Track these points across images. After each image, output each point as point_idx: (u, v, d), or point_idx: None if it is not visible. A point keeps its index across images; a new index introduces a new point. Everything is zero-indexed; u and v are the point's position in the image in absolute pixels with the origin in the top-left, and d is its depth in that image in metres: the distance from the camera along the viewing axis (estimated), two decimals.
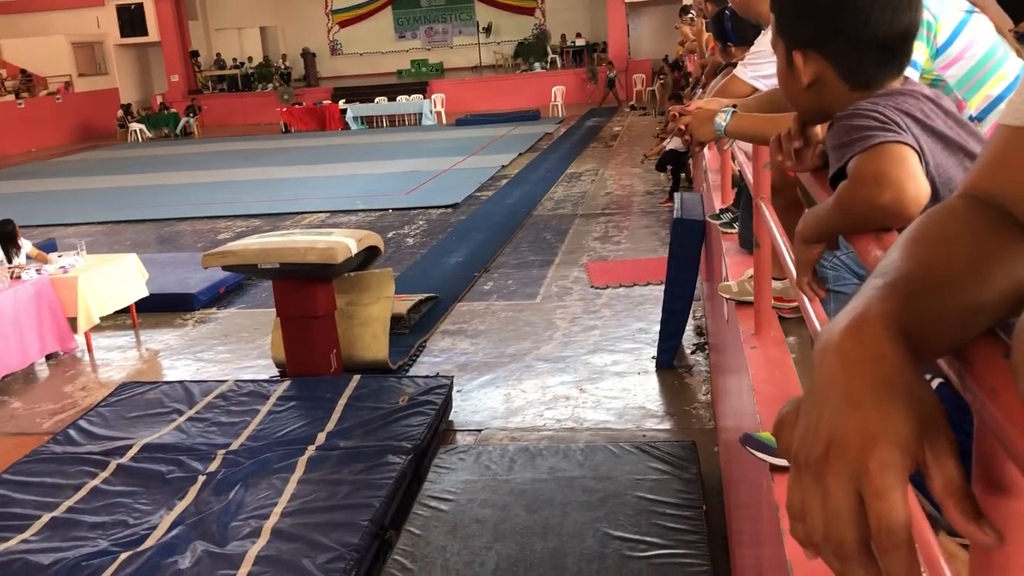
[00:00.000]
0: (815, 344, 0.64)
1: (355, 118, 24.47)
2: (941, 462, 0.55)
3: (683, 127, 2.08)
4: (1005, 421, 0.54)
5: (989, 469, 0.58)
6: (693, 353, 6.25)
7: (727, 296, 3.10)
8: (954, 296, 0.62)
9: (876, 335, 0.60)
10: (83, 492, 4.54)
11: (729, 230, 4.01)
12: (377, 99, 25.28)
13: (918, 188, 1.06)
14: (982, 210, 0.68)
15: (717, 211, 4.17)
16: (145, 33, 28.43)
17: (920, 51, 1.73)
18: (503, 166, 15.49)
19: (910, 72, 1.58)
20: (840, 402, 0.58)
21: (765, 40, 2.62)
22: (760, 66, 2.58)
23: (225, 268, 6.21)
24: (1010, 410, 0.53)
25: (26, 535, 4.17)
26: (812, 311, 1.45)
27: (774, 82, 2.54)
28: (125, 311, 7.73)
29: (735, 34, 3.75)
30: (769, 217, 2.22)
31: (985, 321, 0.61)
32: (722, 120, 1.93)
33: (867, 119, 1.14)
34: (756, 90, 2.54)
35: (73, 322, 7.15)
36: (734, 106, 1.96)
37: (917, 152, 1.10)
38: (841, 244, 1.28)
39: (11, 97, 24.94)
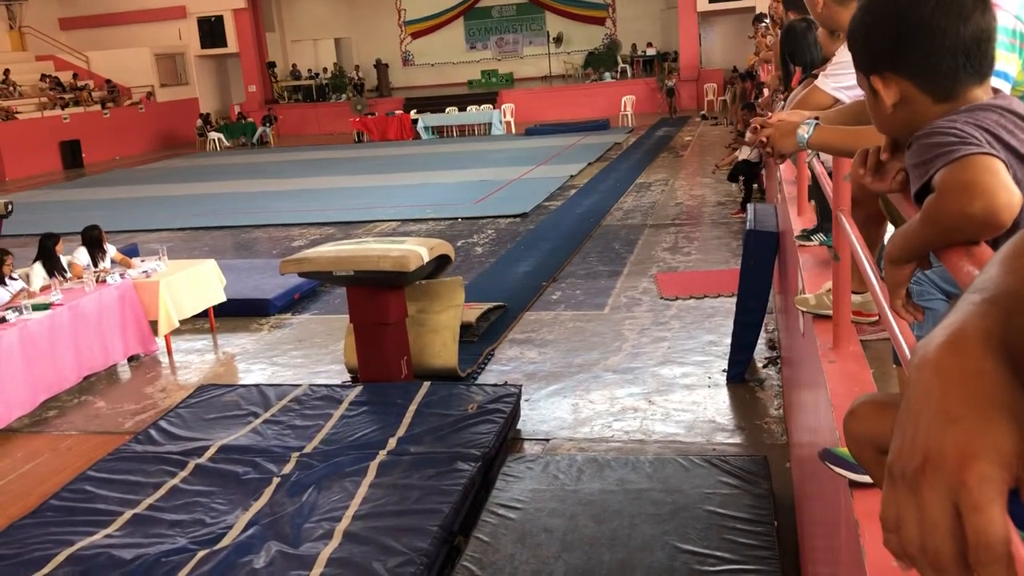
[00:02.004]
0: (911, 359, 0.64)
1: (426, 128, 24.77)
2: None
3: (764, 139, 2.07)
4: None
5: None
6: (765, 367, 6.16)
7: (804, 309, 3.05)
8: None
9: (975, 350, 0.60)
10: (163, 490, 4.69)
11: (807, 242, 3.95)
12: (448, 109, 25.55)
13: (1011, 195, 1.04)
14: None
15: (803, 232, 4.11)
16: (224, 45, 29.27)
17: (1012, 62, 1.70)
18: (572, 176, 15.50)
19: (1001, 84, 1.55)
20: (938, 416, 0.58)
21: (847, 51, 2.59)
22: (842, 77, 2.55)
23: (301, 275, 6.35)
24: None
25: (109, 530, 4.32)
26: (897, 328, 1.43)
27: (857, 93, 2.51)
28: (203, 315, 7.95)
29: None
30: (849, 229, 2.19)
31: None
32: (805, 132, 1.91)
33: (945, 135, 1.13)
34: (838, 101, 2.51)
35: (154, 325, 7.39)
36: (816, 118, 1.95)
37: (1003, 161, 1.09)
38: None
39: (97, 107, 25.90)
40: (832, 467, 1.89)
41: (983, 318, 0.62)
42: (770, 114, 3.42)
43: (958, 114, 1.16)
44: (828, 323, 2.74)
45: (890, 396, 1.27)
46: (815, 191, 4.08)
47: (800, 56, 4.12)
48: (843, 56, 2.64)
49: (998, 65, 1.29)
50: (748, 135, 2.41)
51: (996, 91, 1.24)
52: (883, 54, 1.24)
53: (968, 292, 0.66)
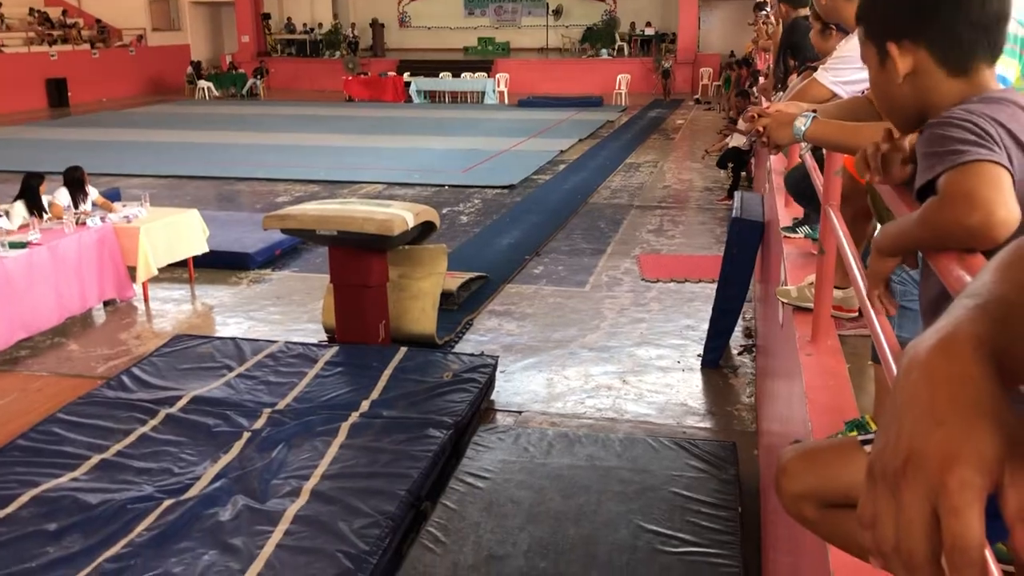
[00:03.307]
0: (901, 359, 0.64)
1: (418, 92, 24.58)
2: (1020, 486, 0.55)
3: (760, 129, 2.06)
4: None
5: None
6: (740, 354, 6.21)
7: (785, 301, 3.07)
8: None
9: (965, 355, 0.60)
10: (132, 438, 4.67)
11: (792, 234, 3.97)
12: (441, 74, 25.34)
13: (1008, 213, 1.04)
14: None
15: (791, 224, 4.13)
16: None
17: (1011, 67, 1.70)
18: (562, 151, 15.45)
19: None
20: (923, 418, 0.58)
21: (849, 45, 2.58)
22: (842, 71, 2.54)
23: (284, 231, 6.30)
24: None
25: (76, 473, 4.31)
26: (878, 324, 1.44)
27: (855, 88, 2.51)
28: (183, 265, 7.89)
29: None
30: (837, 224, 2.19)
31: None
32: (802, 125, 1.91)
33: (962, 129, 1.12)
34: (835, 95, 2.51)
35: (132, 271, 7.32)
36: (814, 111, 1.94)
37: (1010, 172, 1.09)
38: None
39: (86, 46, 25.47)
40: None
41: (974, 323, 0.62)
42: (767, 104, 3.42)
43: (973, 104, 1.16)
44: (808, 316, 2.76)
45: (817, 443, 1.26)
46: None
47: (802, 51, 4.12)
48: (843, 51, 2.63)
49: (997, 68, 1.29)
50: (743, 123, 2.41)
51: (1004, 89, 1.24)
52: (905, 19, 1.22)
53: (961, 297, 0.66)
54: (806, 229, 3.91)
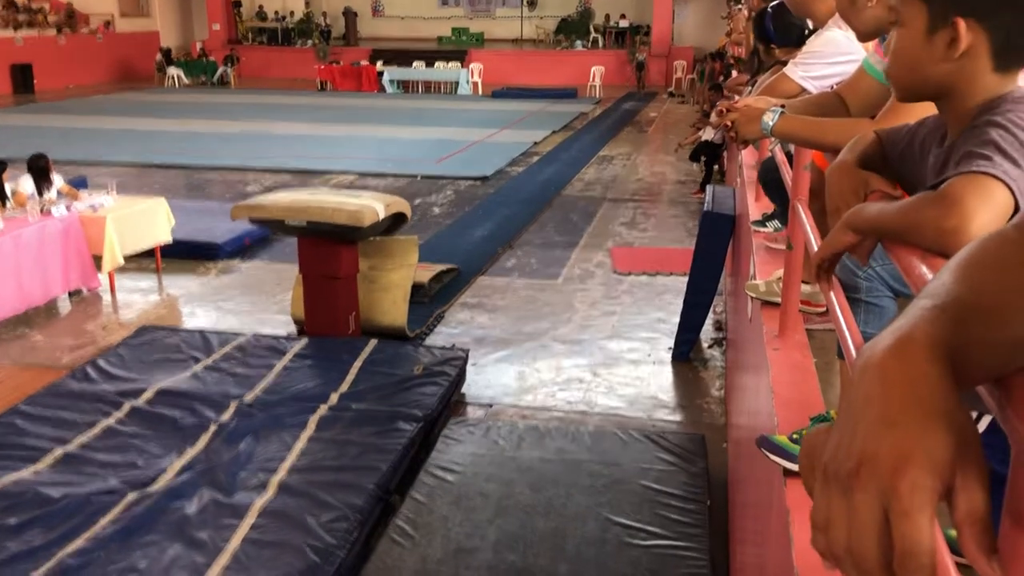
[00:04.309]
0: (856, 360, 0.64)
1: (391, 81, 24.45)
2: (969, 489, 0.55)
3: (729, 123, 2.06)
4: None
5: (1021, 502, 0.58)
6: (710, 347, 6.23)
7: (753, 295, 3.08)
8: (1003, 325, 0.61)
9: (920, 357, 0.60)
10: (96, 430, 4.61)
11: (762, 228, 3.99)
12: (415, 64, 25.22)
13: (982, 228, 1.03)
14: None
15: (760, 218, 4.14)
16: None
17: None
18: (536, 143, 15.43)
19: None
20: (877, 420, 0.58)
21: (818, 41, 2.59)
22: (811, 66, 2.55)
23: (252, 221, 6.23)
24: None
25: (38, 467, 4.24)
26: (843, 319, 1.44)
27: (824, 84, 2.52)
28: (150, 254, 7.78)
29: (777, 34, 3.73)
30: (805, 219, 2.20)
31: None
32: (769, 120, 1.90)
33: (1010, 135, 1.10)
34: (804, 90, 2.51)
35: (98, 261, 7.21)
36: (782, 106, 1.94)
37: (1015, 197, 1.06)
38: (877, 256, 1.26)
39: (53, 32, 25.05)
40: (768, 454, 1.91)
41: (931, 324, 0.62)
42: (736, 99, 3.43)
43: None
44: (776, 310, 2.77)
45: None
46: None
47: (795, 33, 4.10)
48: (813, 46, 2.64)
49: None
50: (713, 117, 2.41)
51: None
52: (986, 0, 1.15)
53: (919, 297, 0.66)
54: (776, 223, 3.93)
